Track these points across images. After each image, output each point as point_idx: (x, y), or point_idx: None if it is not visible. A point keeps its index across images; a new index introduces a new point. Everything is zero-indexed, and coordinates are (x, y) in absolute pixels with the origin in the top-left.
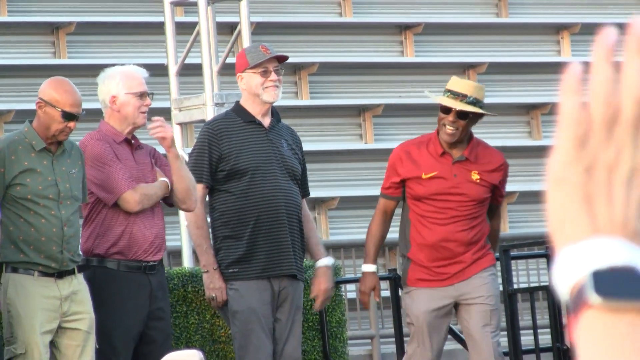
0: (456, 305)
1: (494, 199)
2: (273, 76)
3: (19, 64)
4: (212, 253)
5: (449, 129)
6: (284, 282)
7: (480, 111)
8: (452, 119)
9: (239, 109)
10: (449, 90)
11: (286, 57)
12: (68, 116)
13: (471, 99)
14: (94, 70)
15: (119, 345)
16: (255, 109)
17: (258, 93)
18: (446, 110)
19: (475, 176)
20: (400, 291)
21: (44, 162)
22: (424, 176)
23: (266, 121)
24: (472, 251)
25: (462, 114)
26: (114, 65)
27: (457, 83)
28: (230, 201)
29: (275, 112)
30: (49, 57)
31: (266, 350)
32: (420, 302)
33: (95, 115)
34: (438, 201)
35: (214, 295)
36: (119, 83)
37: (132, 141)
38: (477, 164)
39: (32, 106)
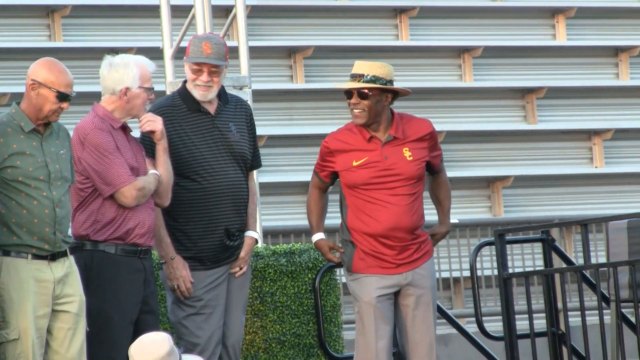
0: (396, 292)
1: (433, 165)
2: (204, 77)
3: (14, 47)
4: (168, 242)
5: (355, 111)
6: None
7: (375, 86)
8: (355, 100)
9: (184, 94)
10: (350, 75)
11: (219, 65)
12: (62, 97)
13: (369, 77)
14: (89, 53)
15: (118, 330)
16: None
17: (190, 86)
18: (348, 94)
19: (407, 153)
20: (345, 277)
21: (33, 143)
22: (354, 164)
23: (212, 107)
24: (416, 236)
25: (362, 94)
26: (109, 48)
27: (357, 66)
28: (177, 193)
29: (223, 92)
30: (44, 40)
31: (218, 332)
32: (370, 288)
33: (88, 98)
34: (375, 186)
35: (175, 285)
36: (135, 75)
37: (127, 127)
38: (406, 138)
39: None
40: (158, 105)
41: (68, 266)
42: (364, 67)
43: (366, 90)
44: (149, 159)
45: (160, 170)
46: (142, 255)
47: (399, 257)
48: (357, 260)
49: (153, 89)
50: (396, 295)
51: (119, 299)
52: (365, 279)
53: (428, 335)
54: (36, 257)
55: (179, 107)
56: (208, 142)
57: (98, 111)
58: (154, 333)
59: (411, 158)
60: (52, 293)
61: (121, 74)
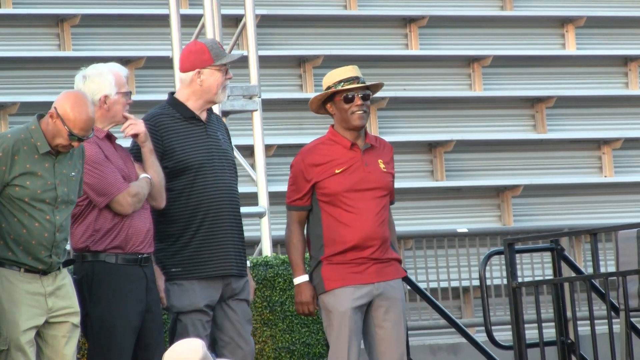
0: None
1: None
2: (229, 74)
3: (23, 56)
4: None
5: (360, 113)
6: (227, 279)
7: (372, 83)
8: (360, 102)
9: (176, 104)
10: (340, 81)
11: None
12: (74, 137)
13: (362, 79)
14: (99, 62)
15: (122, 339)
16: (197, 105)
17: (215, 92)
18: (348, 98)
19: (381, 165)
20: (318, 299)
21: (45, 164)
22: (337, 171)
23: (203, 115)
24: (388, 248)
25: (365, 96)
26: (118, 57)
27: (342, 72)
28: (174, 199)
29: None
30: (53, 49)
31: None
32: (346, 299)
33: None
34: (355, 194)
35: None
36: (111, 82)
37: (111, 135)
38: (378, 150)
39: (37, 98)
40: (151, 114)
41: (60, 279)
42: (352, 71)
43: (369, 92)
44: (138, 163)
45: (150, 173)
46: (142, 263)
47: (373, 268)
48: (328, 277)
49: (130, 92)
50: (367, 308)
51: (122, 308)
52: (339, 290)
53: (399, 348)
54: (28, 271)
55: (173, 115)
56: (203, 148)
57: None
58: (187, 340)
59: (385, 170)
60: (44, 306)
61: (97, 84)
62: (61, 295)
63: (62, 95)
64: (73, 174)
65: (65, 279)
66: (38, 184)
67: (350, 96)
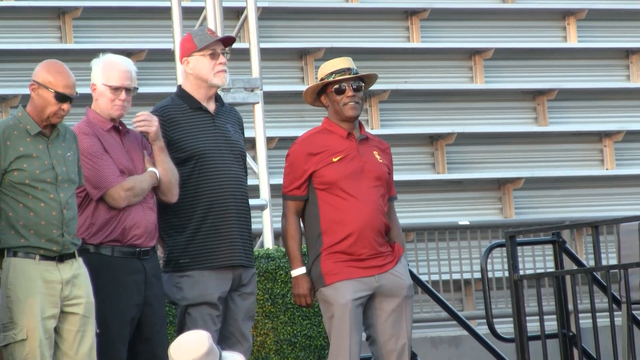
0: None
1: (389, 190)
2: (221, 59)
3: (25, 49)
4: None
5: (352, 104)
6: (237, 270)
7: (364, 74)
8: (351, 94)
9: (184, 95)
10: (332, 73)
11: (233, 39)
12: (61, 97)
13: (355, 70)
14: (100, 55)
15: (116, 331)
16: (200, 94)
17: (207, 77)
18: (340, 90)
19: (377, 155)
20: (316, 291)
21: (39, 146)
22: (334, 160)
23: (211, 106)
24: (384, 243)
25: (357, 87)
26: (120, 50)
27: (334, 63)
28: (181, 189)
29: (219, 96)
30: (55, 41)
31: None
32: (346, 292)
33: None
34: (352, 182)
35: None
36: (99, 72)
37: (120, 127)
38: (373, 142)
39: None
40: (160, 106)
41: (76, 268)
42: (345, 62)
43: (362, 83)
44: (148, 157)
45: (159, 169)
46: (142, 257)
47: (370, 260)
48: (327, 272)
49: (124, 89)
50: (370, 299)
51: (116, 300)
52: (339, 284)
53: (401, 339)
54: (44, 257)
55: (180, 106)
56: (210, 138)
57: (89, 115)
58: (192, 332)
59: (381, 161)
60: (60, 294)
61: (92, 73)
62: (77, 284)
63: (37, 68)
64: (68, 154)
65: (81, 269)
66: (35, 164)
67: (342, 87)
